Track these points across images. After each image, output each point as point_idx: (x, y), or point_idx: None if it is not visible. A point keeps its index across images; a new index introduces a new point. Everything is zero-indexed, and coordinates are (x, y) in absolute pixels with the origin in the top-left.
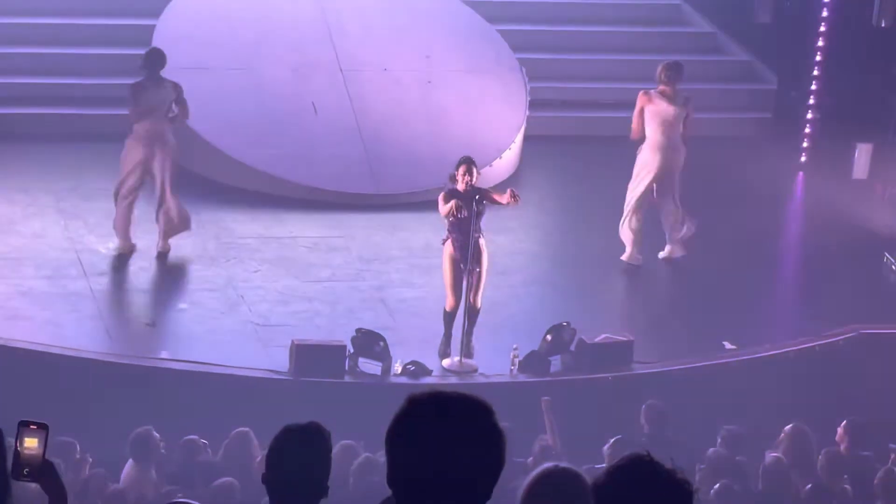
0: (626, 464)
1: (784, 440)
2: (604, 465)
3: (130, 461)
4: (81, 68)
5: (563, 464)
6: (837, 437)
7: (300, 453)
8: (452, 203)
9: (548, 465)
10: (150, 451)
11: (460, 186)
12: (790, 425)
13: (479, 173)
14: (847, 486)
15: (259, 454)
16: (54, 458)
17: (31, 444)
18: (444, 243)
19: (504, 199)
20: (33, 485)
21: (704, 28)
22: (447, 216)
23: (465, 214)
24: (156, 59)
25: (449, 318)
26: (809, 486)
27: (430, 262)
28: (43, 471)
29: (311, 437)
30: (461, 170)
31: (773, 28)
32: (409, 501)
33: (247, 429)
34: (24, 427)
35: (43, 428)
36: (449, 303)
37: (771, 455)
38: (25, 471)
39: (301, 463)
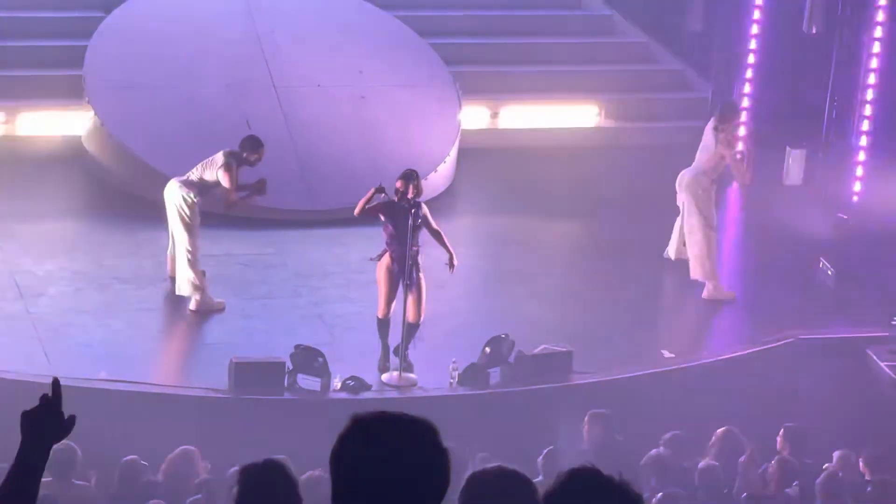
0: (575, 475)
1: (715, 444)
2: (539, 477)
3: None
4: (16, 90)
5: (509, 466)
6: (778, 446)
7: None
8: (363, 202)
9: (490, 465)
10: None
11: (394, 198)
12: (721, 429)
13: (416, 188)
14: (788, 491)
15: (202, 471)
16: None
17: None
18: (377, 259)
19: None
20: None
21: (637, 38)
22: (357, 214)
23: (400, 227)
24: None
25: (382, 326)
26: (745, 494)
27: (368, 277)
28: None
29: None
30: (397, 184)
31: (705, 36)
32: None
33: (192, 447)
34: None
35: None
36: (381, 310)
37: (705, 461)
38: None
39: None
